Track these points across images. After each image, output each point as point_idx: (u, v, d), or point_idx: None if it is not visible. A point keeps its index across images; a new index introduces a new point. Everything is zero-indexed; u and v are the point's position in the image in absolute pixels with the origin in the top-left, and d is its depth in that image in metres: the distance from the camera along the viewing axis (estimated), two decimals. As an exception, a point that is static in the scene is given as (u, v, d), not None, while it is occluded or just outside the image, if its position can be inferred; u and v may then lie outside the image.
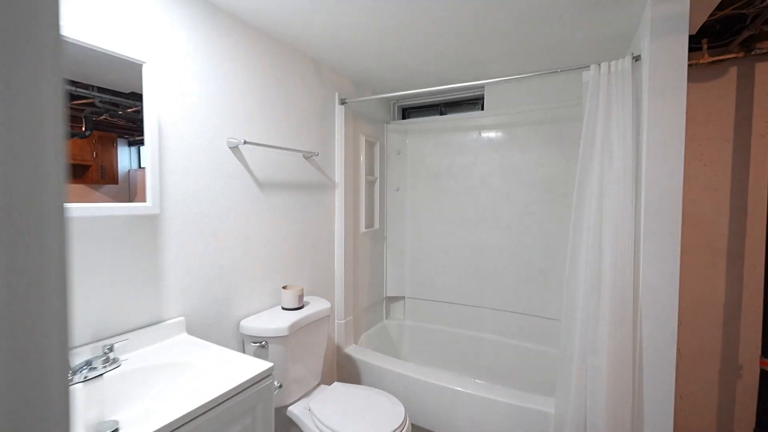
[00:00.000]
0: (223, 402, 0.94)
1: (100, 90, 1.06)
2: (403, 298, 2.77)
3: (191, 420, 0.86)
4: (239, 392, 0.99)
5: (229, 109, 1.47)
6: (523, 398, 1.67)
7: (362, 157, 2.37)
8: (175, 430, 0.82)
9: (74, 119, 1.04)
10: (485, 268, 2.45)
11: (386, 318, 2.77)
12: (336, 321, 2.19)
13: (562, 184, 2.20)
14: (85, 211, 0.97)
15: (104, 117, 1.08)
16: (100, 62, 1.03)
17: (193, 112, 1.34)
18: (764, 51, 1.70)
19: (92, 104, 1.06)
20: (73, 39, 0.92)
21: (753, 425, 1.83)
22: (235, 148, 1.50)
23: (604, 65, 1.46)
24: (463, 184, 2.51)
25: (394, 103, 2.81)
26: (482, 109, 2.49)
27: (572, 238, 1.55)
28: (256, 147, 1.59)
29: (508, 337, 2.39)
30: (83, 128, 1.05)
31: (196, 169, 1.36)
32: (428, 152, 2.63)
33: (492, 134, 2.41)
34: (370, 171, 2.52)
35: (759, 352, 1.80)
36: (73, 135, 1.03)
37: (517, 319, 2.37)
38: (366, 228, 2.41)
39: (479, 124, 2.44)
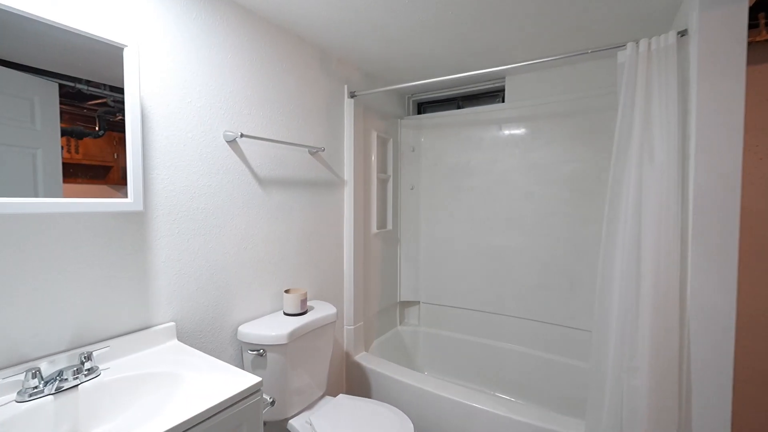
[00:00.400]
0: (199, 423, 0.83)
1: (113, 89, 1.00)
2: (418, 303, 2.62)
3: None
4: (220, 411, 0.88)
5: (225, 101, 1.38)
6: (548, 419, 1.50)
7: (374, 154, 2.24)
8: (137, 458, 0.72)
9: (88, 119, 0.98)
10: (506, 272, 2.27)
11: (400, 324, 2.62)
12: (345, 327, 2.07)
13: (591, 181, 2.00)
14: (54, 207, 0.89)
15: (120, 117, 1.02)
16: (110, 57, 0.97)
17: (184, 102, 1.25)
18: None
19: (105, 104, 1.00)
20: (27, 13, 0.83)
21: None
22: (232, 142, 1.41)
23: (643, 43, 1.28)
24: (482, 183, 2.34)
25: (408, 98, 2.68)
26: (503, 101, 2.31)
27: (605, 241, 1.37)
28: (255, 141, 1.49)
29: (531, 348, 2.20)
30: (96, 128, 0.99)
31: (189, 163, 1.27)
32: (445, 149, 2.48)
33: (513, 128, 2.23)
34: (382, 169, 2.39)
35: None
36: (86, 135, 0.97)
37: (540, 328, 2.18)
38: (378, 229, 2.29)
39: (500, 118, 2.27)
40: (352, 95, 2.02)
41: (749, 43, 1.58)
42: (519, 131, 2.21)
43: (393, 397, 1.85)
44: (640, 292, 1.27)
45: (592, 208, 2.00)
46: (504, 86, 2.29)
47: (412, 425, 1.39)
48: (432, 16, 1.50)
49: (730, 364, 1.14)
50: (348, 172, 2.03)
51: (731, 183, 1.13)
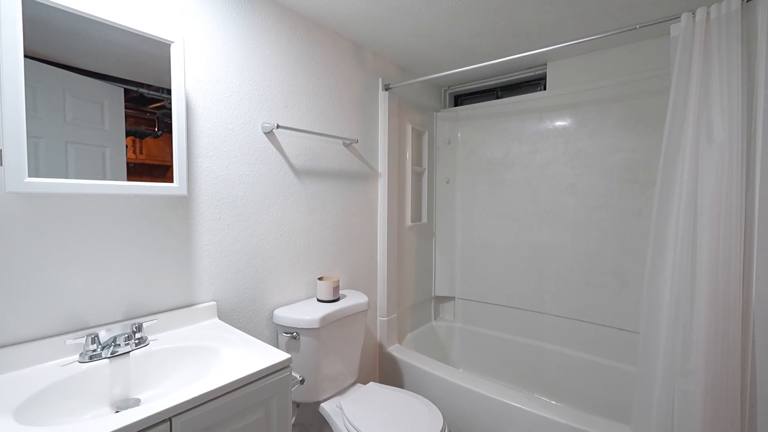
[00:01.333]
0: (234, 390, 0.88)
1: (170, 92, 1.10)
2: (453, 298, 2.58)
3: (189, 410, 0.80)
4: (252, 381, 0.92)
5: (263, 94, 1.45)
6: (589, 422, 1.41)
7: (409, 147, 2.24)
8: (174, 416, 0.77)
9: (149, 122, 1.09)
10: (547, 268, 2.17)
11: (435, 319, 2.60)
12: (378, 318, 2.09)
13: (641, 170, 1.85)
14: (114, 189, 0.99)
15: (175, 118, 1.11)
16: (165, 61, 1.07)
17: (225, 95, 1.33)
18: None
19: (163, 107, 1.10)
20: (94, 16, 0.93)
21: None
22: (269, 133, 1.47)
23: (700, 12, 1.16)
24: (521, 175, 2.25)
25: (444, 90, 2.64)
26: (544, 89, 2.21)
27: (654, 235, 1.26)
28: (292, 132, 1.55)
29: (574, 349, 2.08)
30: (156, 129, 1.10)
31: (229, 153, 1.35)
32: (482, 141, 2.41)
33: (556, 117, 2.12)
34: (417, 161, 2.38)
35: None
36: (147, 135, 1.08)
37: (584, 328, 2.05)
38: (412, 222, 2.28)
39: (540, 106, 2.17)
40: (386, 88, 2.03)
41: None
42: (562, 120, 2.10)
43: (425, 390, 1.84)
44: (695, 289, 1.15)
45: (643, 199, 1.85)
46: (545, 74, 2.18)
47: (440, 415, 1.37)
48: (465, 1, 1.47)
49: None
50: (382, 165, 2.05)
51: (808, 163, 0.99)
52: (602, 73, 1.97)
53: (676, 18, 1.22)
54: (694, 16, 1.17)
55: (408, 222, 2.25)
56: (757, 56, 1.07)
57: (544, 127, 2.16)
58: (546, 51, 1.50)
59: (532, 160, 2.21)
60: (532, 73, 2.27)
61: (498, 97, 2.47)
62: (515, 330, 2.30)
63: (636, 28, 1.31)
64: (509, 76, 2.36)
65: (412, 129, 2.26)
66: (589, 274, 2.03)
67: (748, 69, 1.11)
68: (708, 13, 1.15)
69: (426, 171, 2.43)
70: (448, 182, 2.53)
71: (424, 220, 2.42)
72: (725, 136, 1.10)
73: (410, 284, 2.32)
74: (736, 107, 1.09)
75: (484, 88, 2.55)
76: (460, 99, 2.71)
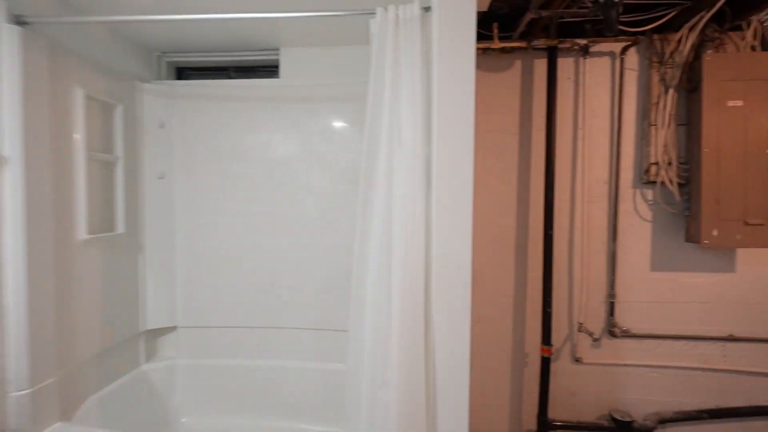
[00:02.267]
0: None
1: None
2: (175, 328, 2.00)
3: None
4: None
5: None
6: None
7: (80, 123, 1.50)
8: None
9: None
10: (284, 277, 1.94)
11: (147, 361, 1.93)
12: (11, 395, 1.27)
13: (368, 173, 1.89)
14: None
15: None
16: None
17: None
18: (542, 47, 1.73)
19: None
20: None
21: (536, 411, 1.87)
22: None
23: (392, 10, 1.13)
24: (255, 171, 1.93)
25: (159, 56, 2.01)
26: (278, 76, 1.98)
27: (359, 236, 1.17)
28: None
29: (311, 361, 1.94)
30: None
31: None
32: (208, 126, 1.94)
33: (290, 111, 1.92)
34: (105, 146, 1.67)
35: (540, 340, 1.84)
36: None
37: (319, 337, 1.93)
38: (91, 233, 1.55)
39: (274, 95, 1.92)
40: (19, 21, 1.25)
41: (489, 51, 1.74)
42: (296, 114, 1.92)
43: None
44: (392, 294, 1.11)
45: (368, 202, 1.89)
46: (279, 60, 1.95)
47: None
48: None
49: (466, 355, 1.11)
50: (13, 143, 1.25)
51: (464, 165, 1.08)
52: (335, 70, 1.90)
53: (374, 12, 1.16)
54: (387, 12, 1.13)
55: (82, 234, 1.51)
56: (432, 64, 1.11)
57: (278, 118, 1.92)
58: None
59: (266, 154, 1.93)
60: (267, 57, 1.99)
61: (231, 78, 2.08)
62: (252, 353, 1.97)
63: (340, 15, 1.19)
64: (242, 56, 2.01)
65: (88, 97, 1.54)
66: (323, 278, 1.93)
67: (427, 76, 1.14)
68: (398, 13, 1.13)
69: (121, 161, 1.74)
70: (162, 178, 1.92)
71: (120, 229, 1.73)
72: (410, 139, 1.09)
73: (89, 325, 1.58)
74: (420, 112, 1.10)
75: (214, 65, 2.11)
76: (185, 73, 2.15)
